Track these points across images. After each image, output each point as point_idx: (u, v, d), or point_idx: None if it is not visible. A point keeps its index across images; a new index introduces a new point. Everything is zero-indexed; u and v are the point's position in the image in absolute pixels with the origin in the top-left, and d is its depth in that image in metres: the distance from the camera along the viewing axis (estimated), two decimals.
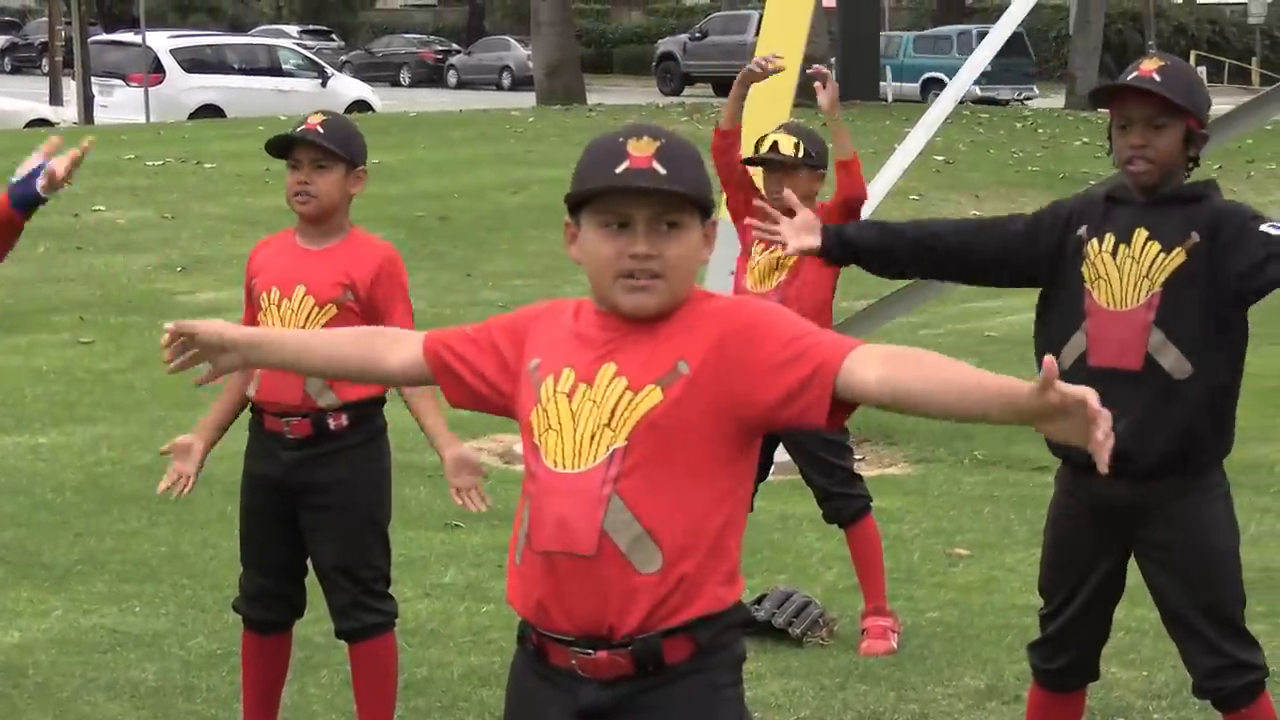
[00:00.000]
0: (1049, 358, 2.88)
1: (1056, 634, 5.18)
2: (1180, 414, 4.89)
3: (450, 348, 3.50)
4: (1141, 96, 4.87)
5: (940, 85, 31.92)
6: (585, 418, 3.29)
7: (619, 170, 3.20)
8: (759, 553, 8.07)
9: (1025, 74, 45.21)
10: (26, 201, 5.08)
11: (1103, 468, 2.76)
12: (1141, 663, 6.72)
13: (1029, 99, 44.34)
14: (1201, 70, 39.44)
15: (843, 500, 6.81)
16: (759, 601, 6.59)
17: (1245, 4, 51.82)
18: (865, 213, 9.16)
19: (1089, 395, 2.78)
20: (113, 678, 6.53)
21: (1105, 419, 2.78)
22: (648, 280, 3.23)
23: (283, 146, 5.43)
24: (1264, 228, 4.85)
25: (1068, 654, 5.20)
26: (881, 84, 38.04)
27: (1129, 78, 4.97)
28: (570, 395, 3.30)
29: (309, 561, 5.62)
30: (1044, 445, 4.90)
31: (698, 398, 3.22)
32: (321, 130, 5.45)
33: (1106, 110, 5.17)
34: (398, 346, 3.61)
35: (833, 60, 32.00)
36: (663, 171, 3.21)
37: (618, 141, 3.31)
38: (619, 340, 3.31)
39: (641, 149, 3.29)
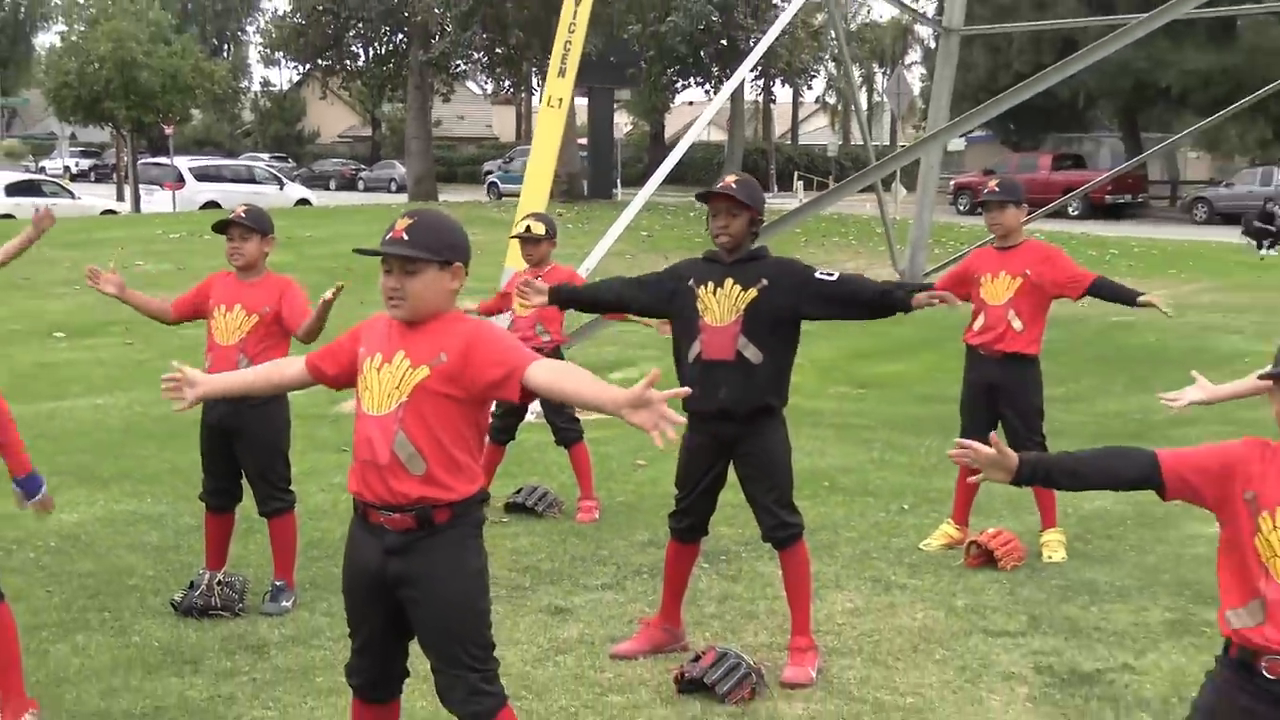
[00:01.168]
0: (653, 371, 4.10)
1: (686, 508, 6.73)
2: (757, 384, 6.43)
3: (318, 360, 4.85)
4: (722, 197, 6.44)
5: None
6: (385, 382, 4.56)
7: (386, 238, 4.46)
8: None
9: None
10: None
11: (664, 440, 3.96)
12: (740, 524, 8.55)
13: None
14: (800, 184, 54.63)
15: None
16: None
17: (826, 145, 71.89)
18: (592, 264, 12.38)
19: (654, 395, 4.01)
20: (132, 540, 8.94)
21: (668, 416, 4.01)
22: (398, 301, 4.49)
23: (221, 225, 7.29)
24: (818, 275, 6.48)
25: (690, 519, 6.77)
26: (614, 189, 49.88)
27: (717, 186, 6.52)
28: (379, 369, 4.56)
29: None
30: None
31: (450, 375, 4.48)
32: (244, 214, 7.29)
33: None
34: (292, 367, 5.00)
35: (582, 161, 48.11)
36: (405, 238, 4.44)
37: (394, 221, 4.56)
38: (406, 337, 4.55)
39: (400, 225, 4.52)
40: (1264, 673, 3.75)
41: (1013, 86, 17.61)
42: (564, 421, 9.60)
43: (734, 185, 6.49)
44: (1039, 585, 8.09)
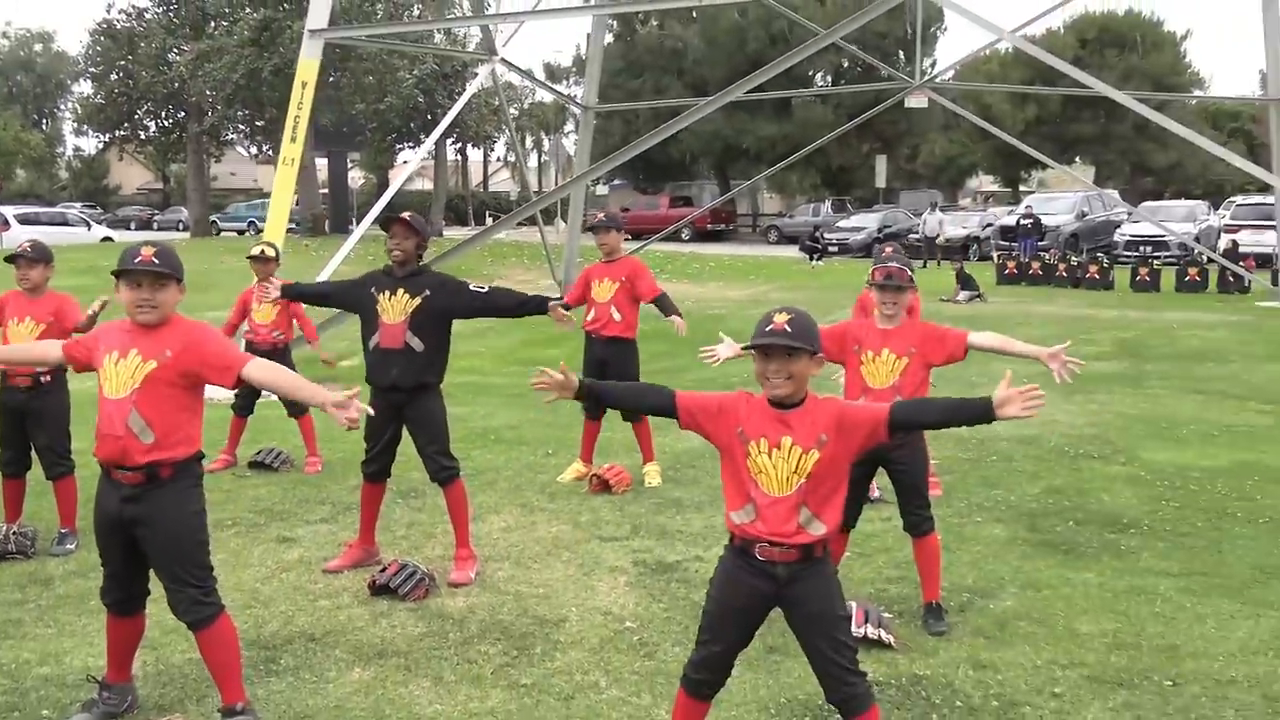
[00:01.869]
0: (355, 388, 4.35)
1: (373, 457, 6.61)
2: (419, 366, 6.35)
3: (71, 348, 4.67)
4: (398, 222, 6.36)
5: None
6: (121, 373, 4.41)
7: (136, 261, 4.35)
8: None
9: None
10: None
11: (348, 422, 4.19)
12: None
13: None
14: (490, 220, 53.03)
15: None
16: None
17: (509, 191, 73.43)
18: (327, 275, 12.20)
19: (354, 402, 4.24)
20: None
21: (361, 410, 4.25)
22: (149, 309, 4.39)
23: (10, 258, 6.82)
24: (471, 288, 6.47)
25: (376, 465, 6.62)
26: (350, 226, 47.03)
27: (394, 215, 6.51)
28: (116, 363, 4.42)
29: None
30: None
31: (175, 367, 4.40)
32: (29, 248, 6.87)
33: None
34: (54, 351, 4.73)
35: (324, 207, 46.28)
36: (156, 262, 4.35)
37: (135, 248, 4.41)
38: (138, 338, 4.44)
39: (147, 251, 4.39)
40: (756, 555, 3.89)
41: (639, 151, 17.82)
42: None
43: (408, 216, 6.49)
44: (640, 503, 8.23)
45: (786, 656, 5.31)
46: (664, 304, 8.56)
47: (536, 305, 6.64)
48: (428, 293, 6.40)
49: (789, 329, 3.79)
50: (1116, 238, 35.42)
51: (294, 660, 5.44)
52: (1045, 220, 35.80)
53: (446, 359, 6.61)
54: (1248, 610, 6.13)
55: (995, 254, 32.81)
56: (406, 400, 6.46)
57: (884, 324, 5.81)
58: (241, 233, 53.86)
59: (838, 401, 3.98)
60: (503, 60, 22.10)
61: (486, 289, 6.60)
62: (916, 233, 38.46)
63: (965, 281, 24.38)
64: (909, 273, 5.80)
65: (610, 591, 6.41)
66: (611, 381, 4.57)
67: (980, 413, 3.80)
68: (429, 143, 21.95)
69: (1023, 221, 34.72)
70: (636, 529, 7.60)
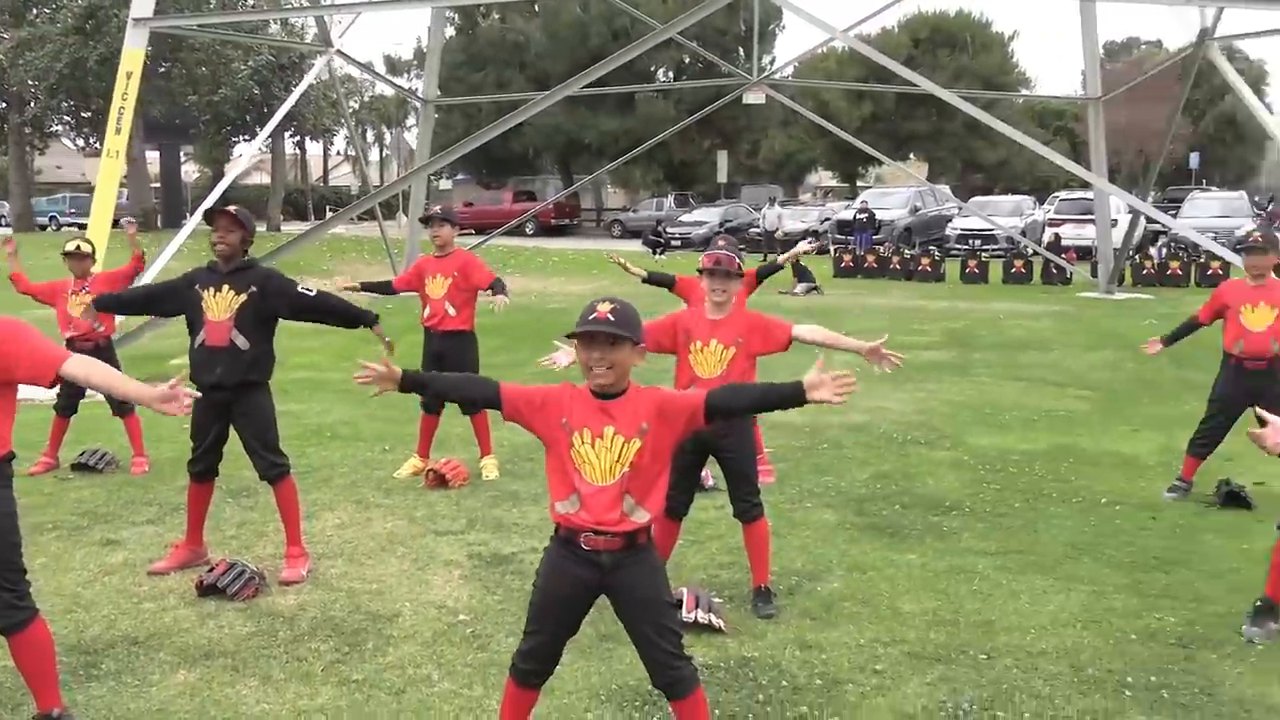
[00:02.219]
0: (177, 378, 4.28)
1: (199, 456, 6.45)
2: (244, 364, 6.25)
3: None
4: (222, 214, 6.21)
5: None
6: None
7: None
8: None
9: None
10: None
11: (180, 412, 4.21)
12: None
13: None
14: (330, 214, 49.59)
15: None
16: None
17: (350, 185, 71.31)
18: (151, 276, 11.89)
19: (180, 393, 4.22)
20: None
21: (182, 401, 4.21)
22: None
23: None
24: (299, 289, 6.37)
25: (202, 464, 6.49)
26: (183, 221, 46.36)
27: (218, 208, 6.36)
28: None
29: None
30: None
31: None
32: None
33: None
34: None
35: (155, 202, 45.10)
36: None
37: None
38: None
39: None
40: (581, 544, 3.93)
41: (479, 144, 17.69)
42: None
43: (233, 209, 6.35)
44: (477, 497, 8.21)
45: (619, 644, 5.34)
46: (495, 285, 8.54)
47: (365, 320, 6.66)
48: (254, 289, 6.29)
49: (611, 318, 3.83)
50: (948, 231, 36.49)
51: (116, 664, 5.31)
52: (880, 215, 36.71)
53: (273, 356, 6.51)
54: (1059, 585, 6.40)
55: (832, 248, 33.51)
56: (233, 398, 6.34)
57: (713, 314, 5.91)
58: (43, 228, 51.57)
59: (659, 390, 4.03)
60: (339, 52, 21.77)
61: (315, 292, 6.50)
62: (757, 227, 39.05)
63: (802, 274, 24.86)
64: (737, 261, 5.91)
65: (445, 585, 6.39)
66: (434, 373, 4.56)
67: (792, 395, 3.90)
68: (263, 135, 21.60)
69: (858, 216, 35.56)
70: (472, 522, 7.59)
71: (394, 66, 63.19)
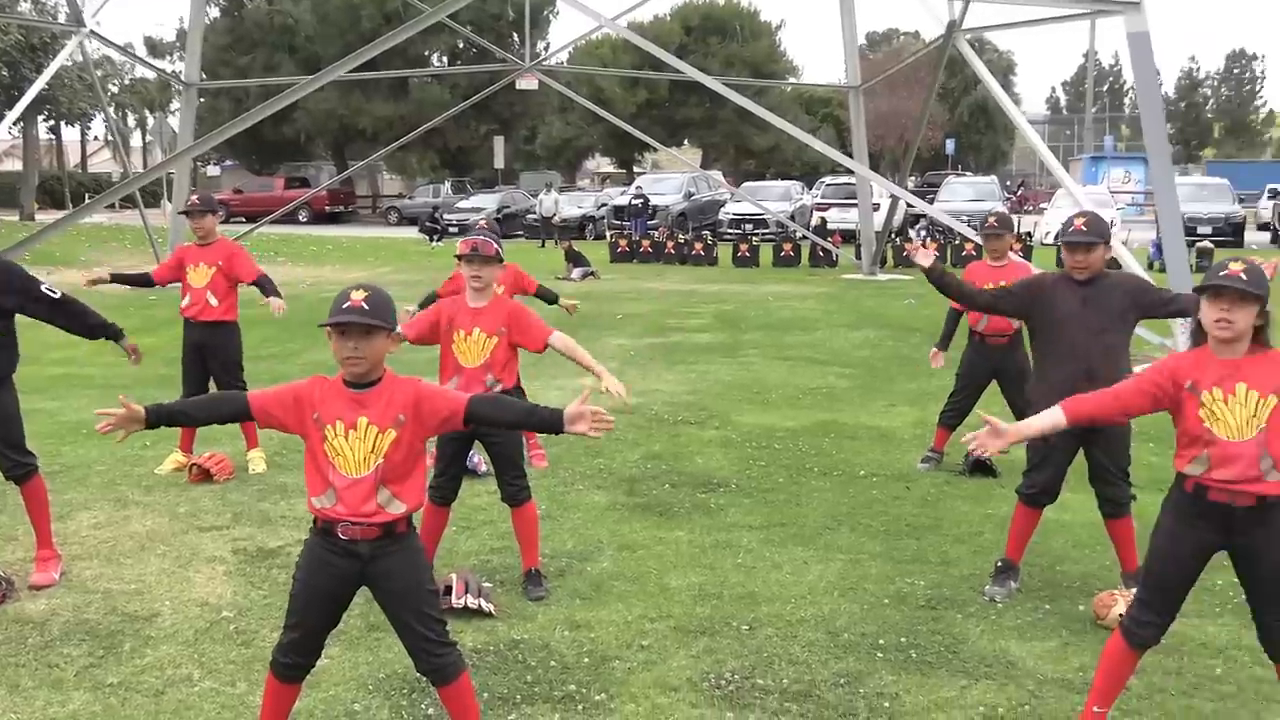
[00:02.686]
0: None
1: None
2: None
3: None
4: None
5: None
6: None
7: None
8: None
9: None
10: None
11: None
12: None
13: None
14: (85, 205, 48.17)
15: None
16: None
17: (110, 172, 65.06)
18: None
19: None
20: None
21: None
22: None
23: None
24: (42, 287, 5.98)
25: None
26: None
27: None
28: None
29: None
30: None
31: None
32: None
33: None
34: None
35: None
36: None
37: None
38: None
39: None
40: (339, 535, 3.89)
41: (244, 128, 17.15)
42: None
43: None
44: (243, 491, 8.00)
45: (387, 633, 5.29)
46: (264, 286, 8.35)
47: (109, 333, 6.43)
48: None
49: (365, 306, 3.79)
50: (721, 216, 37.30)
51: None
52: (655, 200, 37.22)
53: (15, 350, 6.16)
54: (819, 555, 6.65)
55: (609, 232, 33.80)
56: None
57: (475, 301, 5.90)
58: None
59: (418, 383, 3.98)
60: (93, 33, 20.78)
61: (60, 295, 6.20)
62: (534, 213, 39.09)
63: (576, 259, 25.02)
64: (494, 246, 5.90)
65: (207, 582, 6.21)
66: (181, 402, 4.39)
67: (551, 423, 3.97)
68: (10, 119, 20.36)
69: (633, 202, 35.97)
70: (238, 517, 7.40)
71: (155, 48, 60.70)
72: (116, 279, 8.36)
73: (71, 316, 6.26)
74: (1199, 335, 4.14)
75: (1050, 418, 4.35)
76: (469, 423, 3.95)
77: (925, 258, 6.07)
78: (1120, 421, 4.67)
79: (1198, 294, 4.07)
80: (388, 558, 3.91)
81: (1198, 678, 5.02)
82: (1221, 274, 3.95)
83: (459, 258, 5.92)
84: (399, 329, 4.15)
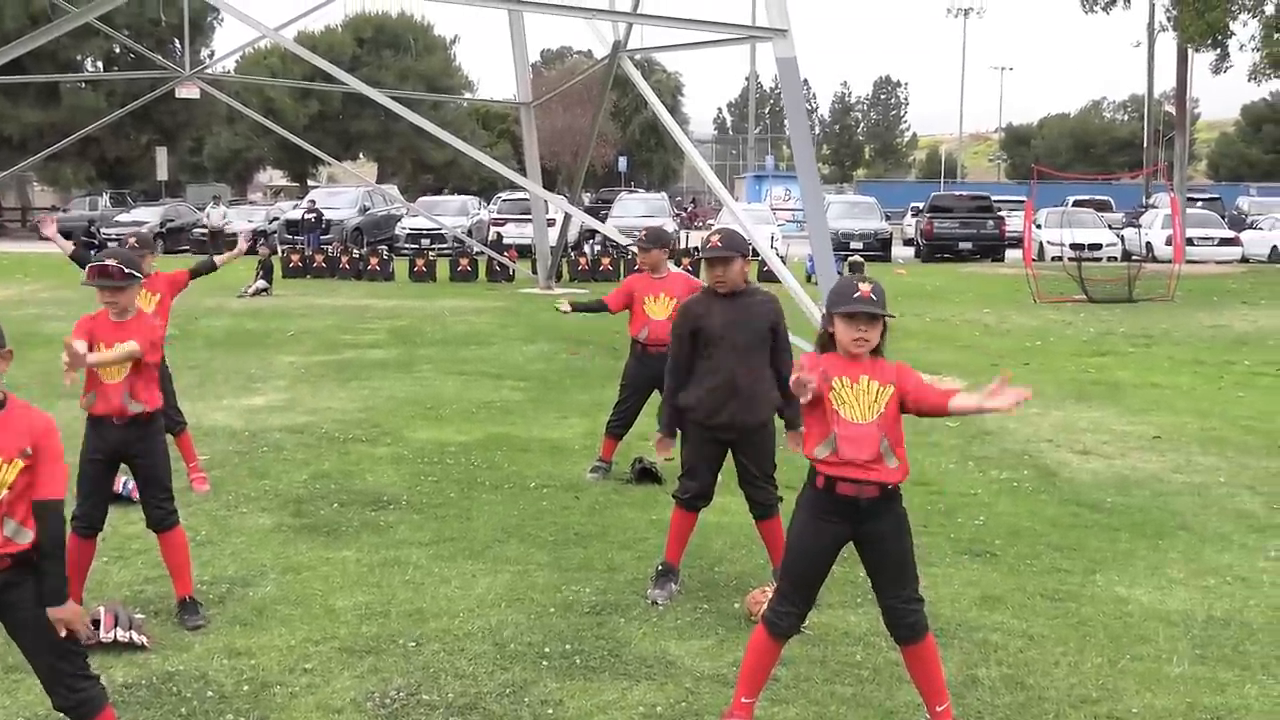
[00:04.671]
0: None
1: None
2: None
3: None
4: None
5: None
6: None
7: None
8: None
9: None
10: None
11: None
12: None
13: None
14: None
15: None
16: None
17: None
18: None
19: None
20: None
21: None
22: None
23: None
24: None
25: None
26: None
27: None
28: None
29: None
30: None
31: None
32: None
33: None
34: None
35: None
36: None
37: None
38: None
39: None
40: None
41: None
42: None
43: None
44: None
45: (28, 674, 4.99)
46: None
47: None
48: None
49: None
50: (398, 231, 36.92)
51: None
52: (330, 214, 36.49)
53: None
54: (488, 568, 6.70)
55: (280, 247, 32.88)
56: None
57: (117, 317, 5.63)
58: None
59: (41, 414, 3.78)
60: None
61: None
62: (203, 226, 37.58)
63: (267, 271, 24.25)
64: (125, 271, 5.57)
65: None
66: None
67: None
68: None
69: (306, 216, 35.14)
70: None
71: None
72: None
73: None
74: (829, 345, 4.43)
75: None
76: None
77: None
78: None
79: (829, 313, 4.36)
80: (15, 588, 3.70)
81: (840, 665, 5.36)
82: (855, 296, 4.24)
83: (87, 284, 5.60)
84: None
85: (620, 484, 8.67)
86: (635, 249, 8.63)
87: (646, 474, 8.70)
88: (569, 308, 9.01)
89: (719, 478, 6.35)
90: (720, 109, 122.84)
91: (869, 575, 4.63)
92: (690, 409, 6.16)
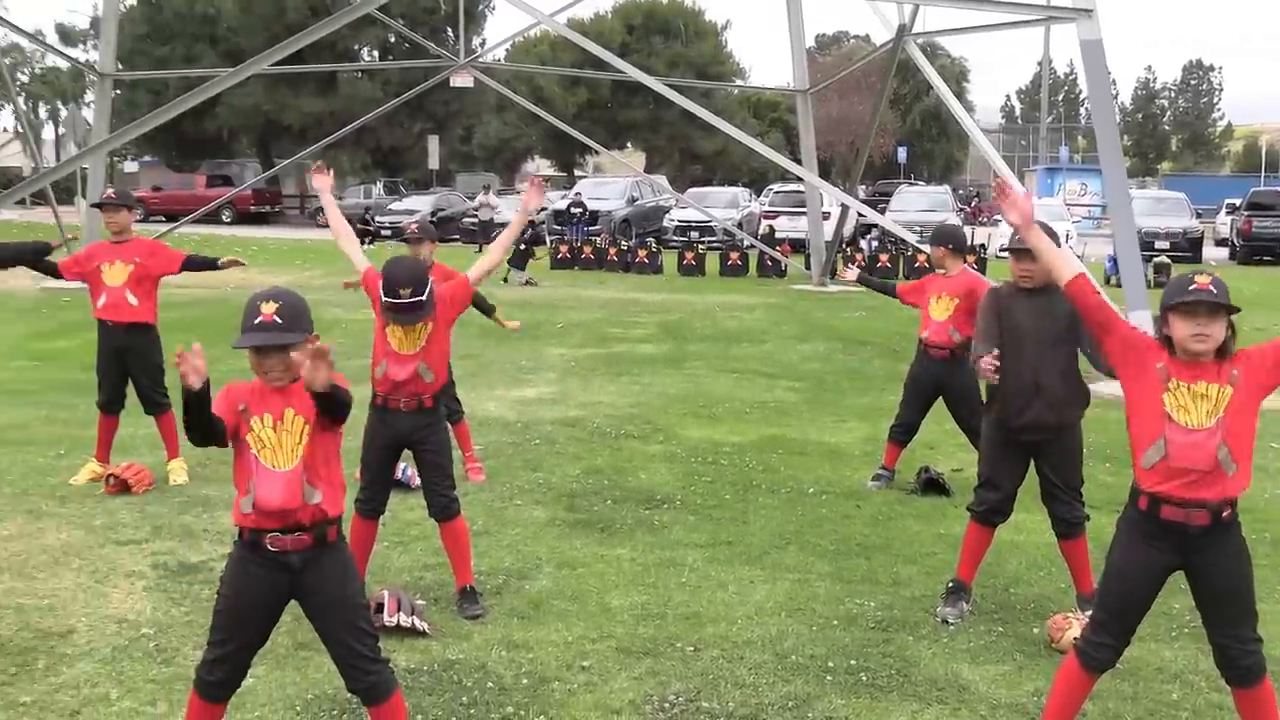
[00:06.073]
0: None
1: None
2: None
3: None
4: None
5: None
6: None
7: None
8: None
9: None
10: None
11: None
12: None
13: None
14: None
15: None
16: None
17: (20, 166, 62.11)
18: None
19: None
20: None
21: None
22: None
23: None
24: None
25: None
26: None
27: None
28: None
29: None
30: None
31: None
32: None
33: None
34: None
35: None
36: None
37: None
38: None
39: None
40: (268, 546, 3.89)
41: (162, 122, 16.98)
42: None
43: None
44: (164, 503, 7.94)
45: (316, 652, 5.29)
46: (197, 263, 8.46)
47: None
48: None
49: (279, 320, 3.80)
50: (665, 223, 37.40)
51: None
52: (597, 205, 37.29)
53: None
54: (765, 575, 6.71)
55: (548, 238, 33.81)
56: None
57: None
58: None
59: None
60: (1, 18, 20.51)
61: None
62: (472, 216, 38.99)
63: (521, 260, 25.06)
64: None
65: (126, 598, 6.16)
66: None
67: None
68: None
69: (572, 209, 35.98)
70: (158, 530, 7.34)
71: (67, 36, 59.94)
72: (11, 255, 8.18)
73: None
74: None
75: (1062, 260, 4.50)
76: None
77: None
78: (1094, 333, 4.53)
79: (1165, 311, 4.17)
80: (319, 568, 3.92)
81: (1154, 703, 5.13)
82: (1191, 288, 4.05)
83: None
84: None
85: (904, 494, 8.55)
86: (926, 246, 8.48)
87: (933, 485, 8.55)
88: (854, 275, 8.99)
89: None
90: (1008, 96, 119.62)
91: (1199, 609, 4.39)
92: (989, 409, 6.03)
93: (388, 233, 39.94)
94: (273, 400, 3.86)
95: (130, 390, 8.46)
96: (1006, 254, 6.30)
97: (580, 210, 35.52)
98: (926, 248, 9.45)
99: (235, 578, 3.95)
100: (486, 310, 8.90)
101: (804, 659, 5.53)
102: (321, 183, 6.60)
